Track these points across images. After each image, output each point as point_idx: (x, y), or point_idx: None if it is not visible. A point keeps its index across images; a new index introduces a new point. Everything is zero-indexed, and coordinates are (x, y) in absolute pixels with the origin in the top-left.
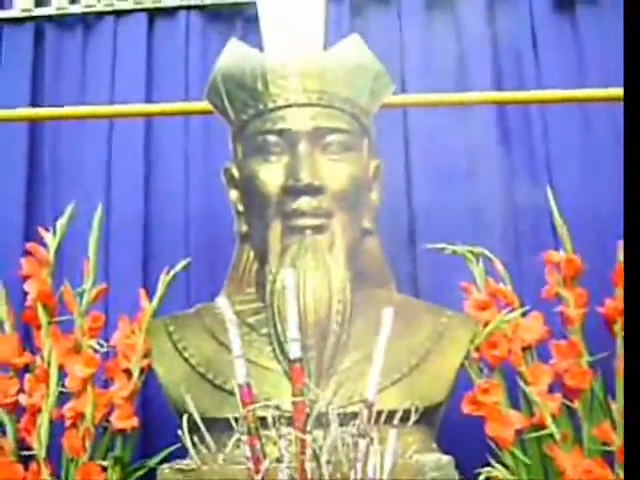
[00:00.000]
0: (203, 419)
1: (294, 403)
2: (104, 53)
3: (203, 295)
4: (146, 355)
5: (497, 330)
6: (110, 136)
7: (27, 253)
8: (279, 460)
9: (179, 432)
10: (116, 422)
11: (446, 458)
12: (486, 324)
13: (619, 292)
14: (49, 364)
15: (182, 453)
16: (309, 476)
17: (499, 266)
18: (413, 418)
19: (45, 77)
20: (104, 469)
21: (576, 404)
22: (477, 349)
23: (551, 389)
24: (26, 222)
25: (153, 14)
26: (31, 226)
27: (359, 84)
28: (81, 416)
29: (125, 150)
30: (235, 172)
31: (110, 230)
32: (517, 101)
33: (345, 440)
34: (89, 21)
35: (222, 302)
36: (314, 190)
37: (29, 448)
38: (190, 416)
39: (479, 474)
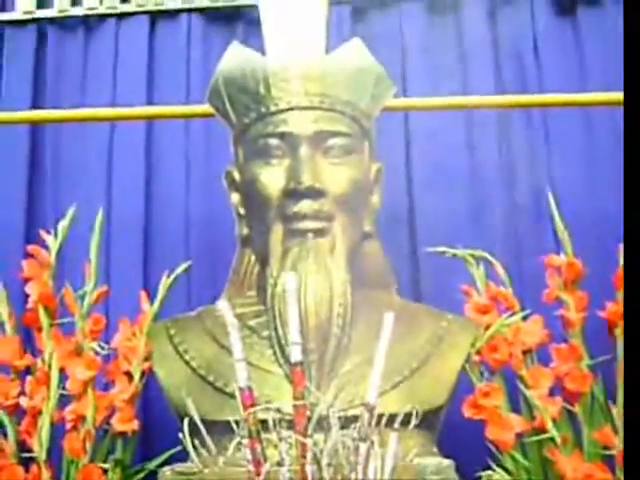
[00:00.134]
0: (204, 422)
1: (295, 406)
2: (106, 55)
3: (204, 298)
4: (147, 358)
5: (498, 334)
6: (111, 138)
7: (28, 255)
8: (280, 463)
9: (180, 435)
10: (117, 425)
11: (447, 462)
12: (487, 328)
13: (620, 296)
14: (50, 366)
15: (183, 456)
16: (310, 479)
17: (500, 269)
18: (414, 422)
19: (46, 79)
20: (105, 472)
21: (577, 408)
22: (478, 352)
23: (552, 393)
24: (27, 224)
25: (155, 17)
26: (32, 228)
27: (360, 87)
28: (82, 418)
29: (126, 153)
30: (236, 175)
31: (111, 233)
32: (518, 104)
33: (346, 443)
34: (91, 23)
35: (223, 305)
36: (315, 193)
37: (30, 450)
38: (191, 419)
39: (480, 478)
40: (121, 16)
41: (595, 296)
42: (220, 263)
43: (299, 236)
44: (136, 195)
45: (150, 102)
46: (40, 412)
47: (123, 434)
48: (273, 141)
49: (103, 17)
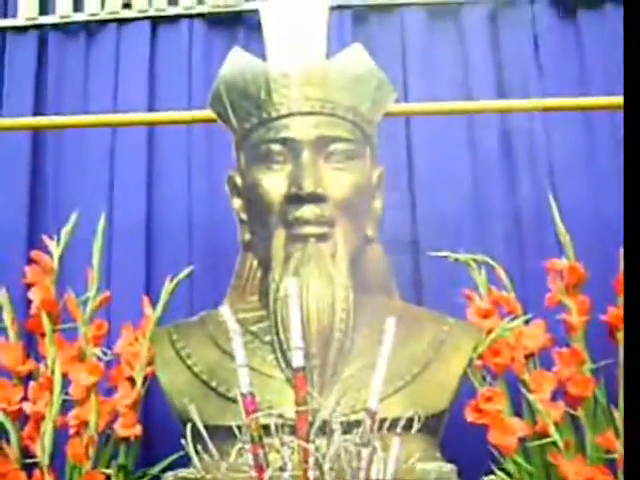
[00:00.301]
0: (206, 427)
1: (297, 411)
2: (107, 61)
3: (206, 303)
4: (150, 363)
5: (500, 338)
6: (113, 143)
7: (31, 261)
8: (282, 468)
9: (182, 440)
10: (120, 430)
11: (449, 466)
12: (489, 332)
13: (622, 300)
14: (53, 372)
15: (185, 461)
16: None
17: (502, 274)
18: (416, 426)
19: (48, 85)
20: (108, 477)
21: (579, 412)
22: (480, 357)
23: (554, 397)
24: (29, 230)
25: (156, 22)
26: (34, 234)
27: (361, 93)
28: (85, 424)
29: (128, 157)
30: (238, 180)
31: (113, 238)
32: (520, 109)
33: (348, 448)
34: (92, 29)
35: (225, 311)
36: (317, 198)
37: (33, 456)
38: (193, 424)
39: None
40: (122, 22)
41: (597, 300)
42: (222, 268)
43: (301, 241)
44: (138, 200)
45: (152, 107)
46: (43, 417)
47: (126, 439)
48: (275, 146)
49: (105, 23)
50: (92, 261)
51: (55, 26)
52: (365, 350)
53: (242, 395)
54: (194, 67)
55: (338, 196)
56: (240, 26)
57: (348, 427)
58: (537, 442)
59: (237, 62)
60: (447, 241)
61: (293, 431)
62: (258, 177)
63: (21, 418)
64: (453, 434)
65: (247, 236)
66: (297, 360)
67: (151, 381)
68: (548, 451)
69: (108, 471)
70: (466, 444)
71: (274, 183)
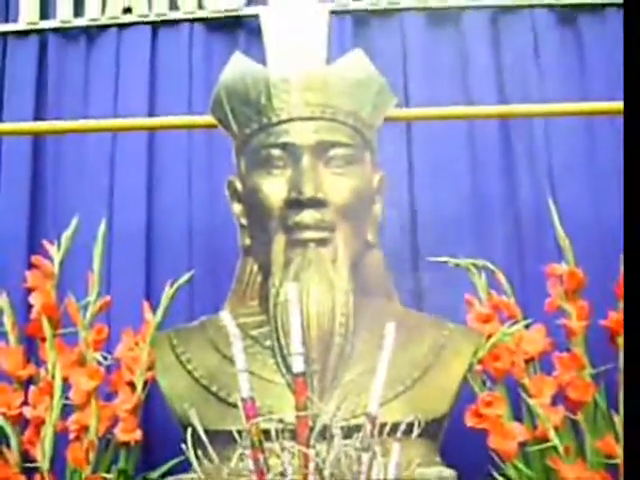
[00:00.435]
0: (206, 432)
1: (297, 416)
2: (108, 66)
3: (206, 308)
4: (150, 368)
5: (500, 342)
6: (113, 148)
7: (32, 266)
8: (282, 473)
9: (183, 445)
10: (120, 435)
11: (449, 471)
12: (489, 336)
13: (622, 305)
14: (53, 376)
15: (186, 466)
16: None
17: (502, 279)
18: (416, 431)
19: (49, 89)
20: None
21: (579, 417)
22: (480, 362)
23: (554, 401)
24: (30, 235)
25: (156, 27)
26: (35, 238)
27: (362, 98)
28: (85, 429)
29: (128, 162)
30: (238, 185)
31: (113, 243)
32: (520, 114)
33: (348, 453)
34: (93, 34)
35: (225, 315)
36: (317, 203)
37: (33, 460)
38: (194, 429)
39: None
40: (123, 26)
41: (597, 305)
42: (223, 273)
43: (301, 246)
44: (138, 205)
45: (152, 112)
46: (43, 422)
47: (126, 444)
48: (275, 151)
49: (105, 27)
50: (92, 266)
51: (56, 31)
52: (365, 355)
53: (242, 400)
54: (194, 72)
55: (338, 201)
56: (240, 31)
57: (348, 432)
58: (537, 447)
59: (238, 67)
60: (447, 246)
61: (293, 436)
62: (258, 182)
63: (21, 422)
64: (453, 439)
65: (247, 241)
66: (297, 365)
67: (151, 386)
68: (548, 456)
69: (108, 476)
70: (466, 449)
71: (274, 188)
